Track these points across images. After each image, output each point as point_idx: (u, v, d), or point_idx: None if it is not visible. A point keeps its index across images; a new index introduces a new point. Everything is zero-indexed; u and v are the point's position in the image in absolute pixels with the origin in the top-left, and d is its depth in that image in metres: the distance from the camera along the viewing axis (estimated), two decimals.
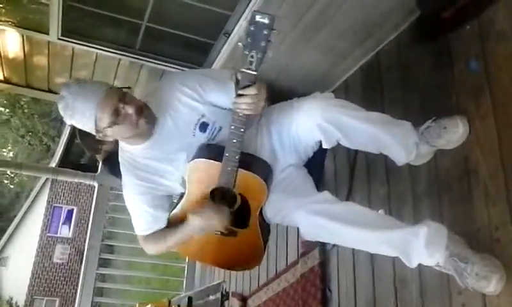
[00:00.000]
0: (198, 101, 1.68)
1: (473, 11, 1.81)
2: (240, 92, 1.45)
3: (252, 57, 1.35)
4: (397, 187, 2.08)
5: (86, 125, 1.56)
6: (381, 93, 2.34)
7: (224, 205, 1.70)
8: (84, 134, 2.62)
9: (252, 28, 1.31)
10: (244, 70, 1.38)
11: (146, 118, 1.60)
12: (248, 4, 2.13)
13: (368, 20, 2.19)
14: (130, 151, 1.73)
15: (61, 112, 1.55)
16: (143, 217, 1.76)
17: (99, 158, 2.81)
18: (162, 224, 1.77)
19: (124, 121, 1.55)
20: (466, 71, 1.82)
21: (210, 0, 2.28)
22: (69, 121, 1.57)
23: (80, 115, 1.53)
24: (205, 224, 1.68)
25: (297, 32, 2.25)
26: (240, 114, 1.48)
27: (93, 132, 1.58)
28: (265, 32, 1.31)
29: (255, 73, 1.38)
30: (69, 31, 2.47)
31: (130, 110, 1.54)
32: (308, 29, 2.23)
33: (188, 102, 1.68)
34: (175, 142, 1.71)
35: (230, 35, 2.36)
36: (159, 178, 1.74)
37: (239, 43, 1.35)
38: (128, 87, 1.96)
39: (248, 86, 1.44)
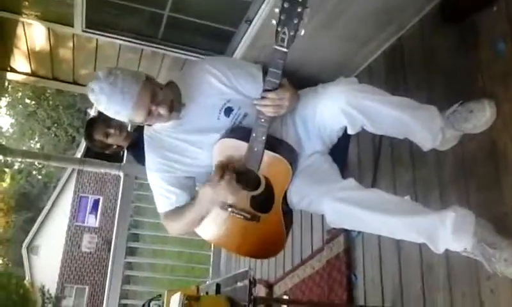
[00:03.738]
0: (226, 85, 1.71)
1: None
2: (263, 95, 1.52)
3: (284, 33, 1.35)
4: (423, 173, 2.06)
5: (117, 118, 1.63)
6: (405, 78, 2.30)
7: (246, 188, 1.71)
8: (91, 138, 2.71)
9: (286, 5, 1.30)
10: (276, 46, 1.38)
11: (176, 110, 1.65)
12: None
13: (389, 4, 2.16)
14: (156, 129, 1.77)
15: (93, 102, 1.60)
16: (164, 195, 1.79)
17: (124, 145, 2.86)
18: (180, 202, 1.78)
19: (156, 119, 1.65)
20: (493, 54, 1.78)
21: None
22: (100, 110, 1.62)
23: (113, 114, 1.59)
24: (213, 192, 1.63)
25: (318, 19, 2.23)
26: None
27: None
28: (298, 9, 1.30)
29: (286, 50, 1.38)
30: (93, 22, 2.50)
31: (162, 110, 1.60)
32: (329, 15, 2.21)
33: (216, 85, 1.71)
34: (200, 123, 1.74)
35: (251, 22, 2.35)
36: (183, 157, 1.77)
37: (273, 21, 1.35)
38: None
39: (271, 90, 1.50)
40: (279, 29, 1.34)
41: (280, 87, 1.54)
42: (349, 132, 1.72)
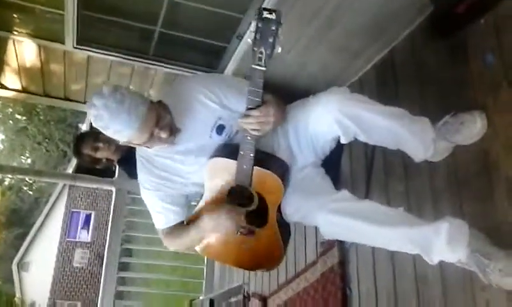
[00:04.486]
0: (217, 103, 1.70)
1: (488, 4, 1.79)
2: (246, 113, 1.51)
3: (261, 53, 1.36)
4: (416, 184, 2.07)
5: (114, 137, 1.56)
6: (396, 90, 2.32)
7: (240, 205, 1.71)
8: (80, 153, 2.68)
9: (260, 25, 1.32)
10: (253, 66, 1.39)
11: (174, 135, 1.64)
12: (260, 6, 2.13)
13: (380, 17, 2.18)
14: (148, 150, 1.75)
15: (90, 117, 1.54)
16: (161, 213, 1.79)
17: (114, 158, 2.83)
18: (180, 218, 1.79)
19: (155, 142, 1.62)
20: (483, 66, 1.80)
21: (222, 4, 2.30)
22: (97, 127, 1.55)
23: (113, 133, 1.53)
24: (215, 224, 1.68)
25: (309, 33, 2.25)
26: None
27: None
28: (272, 27, 1.32)
29: (264, 68, 1.39)
30: (84, 39, 2.50)
31: (163, 135, 1.58)
32: (320, 28, 2.23)
33: (207, 103, 1.70)
34: (192, 143, 1.73)
35: (242, 38, 2.37)
36: (174, 176, 1.76)
37: (248, 39, 1.36)
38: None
39: (255, 108, 1.50)
40: (255, 48, 1.36)
41: (264, 103, 1.53)
42: (342, 141, 1.72)
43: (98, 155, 2.71)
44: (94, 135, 2.69)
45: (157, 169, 1.76)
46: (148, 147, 1.68)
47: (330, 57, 2.49)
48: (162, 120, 1.58)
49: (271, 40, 1.33)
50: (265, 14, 1.30)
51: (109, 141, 2.69)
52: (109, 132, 1.53)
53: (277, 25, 1.31)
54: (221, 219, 1.66)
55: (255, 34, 1.33)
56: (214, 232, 1.75)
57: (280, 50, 1.36)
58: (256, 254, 1.88)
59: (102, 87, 1.52)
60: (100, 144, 2.67)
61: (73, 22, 2.33)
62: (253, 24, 1.32)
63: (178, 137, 1.69)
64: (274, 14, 1.30)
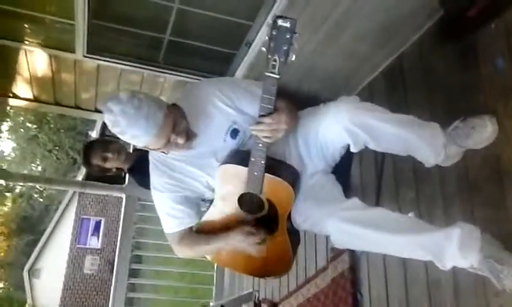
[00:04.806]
0: (231, 107, 1.71)
1: (498, 8, 1.79)
2: (258, 120, 1.52)
3: (275, 61, 1.36)
4: (426, 190, 2.06)
5: (133, 143, 1.59)
6: (405, 96, 2.32)
7: (250, 211, 1.74)
8: (89, 163, 2.68)
9: (274, 32, 1.32)
10: (267, 73, 1.39)
11: (191, 140, 1.66)
12: (269, 14, 2.14)
13: (389, 22, 2.18)
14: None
15: (107, 123, 1.54)
16: (173, 215, 1.79)
17: (124, 167, 2.83)
18: (192, 221, 1.80)
19: (172, 148, 1.63)
20: (493, 70, 1.79)
21: (231, 12, 2.31)
22: (114, 132, 1.56)
23: (129, 138, 1.54)
24: (241, 244, 1.78)
25: (318, 38, 2.25)
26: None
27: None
28: (287, 36, 1.32)
29: (278, 76, 1.39)
30: (94, 48, 2.53)
31: (180, 140, 1.59)
32: (330, 33, 2.23)
33: (222, 107, 1.70)
34: (205, 146, 1.73)
35: (251, 45, 2.38)
36: (188, 179, 1.77)
37: (262, 48, 1.36)
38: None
39: (267, 115, 1.50)
40: (269, 56, 1.35)
41: (276, 111, 1.53)
42: (352, 149, 1.72)
43: (108, 165, 2.71)
44: (103, 144, 2.69)
45: (171, 170, 1.76)
46: (164, 152, 1.69)
47: (339, 62, 2.49)
48: (179, 126, 1.59)
49: (285, 48, 1.34)
50: (280, 22, 1.31)
51: (118, 151, 2.69)
52: (126, 138, 1.54)
53: (292, 34, 1.32)
54: (248, 241, 1.76)
55: (269, 41, 1.33)
56: (236, 247, 1.80)
57: (294, 58, 1.36)
58: (266, 261, 1.89)
59: (119, 93, 1.52)
60: (109, 155, 2.67)
61: (83, 32, 2.35)
62: (268, 32, 1.32)
63: (194, 141, 1.70)
64: (289, 22, 1.31)
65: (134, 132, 1.51)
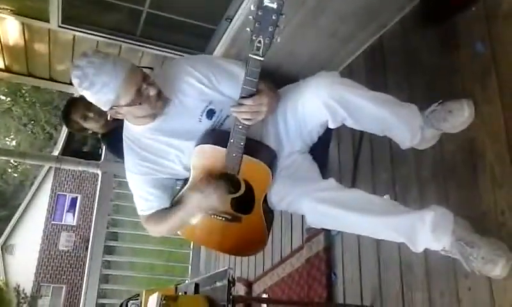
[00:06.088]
0: (207, 86, 1.67)
1: None
2: (239, 102, 1.49)
3: (260, 42, 1.33)
4: (402, 172, 2.07)
5: (101, 99, 1.52)
6: (385, 77, 2.31)
7: (227, 189, 1.68)
8: (69, 117, 2.64)
9: (260, 13, 1.28)
10: (251, 55, 1.36)
11: (163, 101, 1.61)
12: None
13: (370, 3, 2.16)
14: (134, 130, 1.71)
15: (75, 81, 1.49)
16: (145, 197, 1.75)
17: (100, 132, 2.78)
18: (164, 204, 1.76)
19: (145, 102, 1.55)
20: (472, 54, 1.80)
21: None
22: (82, 91, 1.51)
23: (99, 88, 1.48)
24: (202, 200, 1.63)
25: (299, 18, 2.22)
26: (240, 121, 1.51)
27: (105, 108, 1.55)
28: (273, 17, 1.29)
29: (262, 58, 1.36)
30: (69, 18, 2.45)
31: (152, 92, 1.54)
32: (310, 13, 2.20)
33: (198, 87, 1.67)
34: (180, 125, 1.69)
35: (231, 20, 2.33)
36: (162, 159, 1.72)
37: (247, 29, 1.33)
38: (151, 68, 1.88)
39: (248, 97, 1.47)
40: (254, 37, 1.32)
41: (258, 92, 1.50)
42: (330, 126, 1.70)
43: (86, 124, 2.66)
44: (87, 103, 2.63)
45: (144, 150, 1.72)
46: (137, 123, 1.66)
47: (319, 43, 2.47)
48: (149, 78, 1.55)
49: (270, 29, 1.30)
50: (267, 2, 1.27)
51: (100, 113, 2.63)
52: (95, 89, 1.48)
53: (278, 15, 1.28)
54: (207, 193, 1.61)
55: (254, 22, 1.30)
56: (201, 210, 1.70)
57: (279, 40, 1.33)
58: (240, 240, 1.88)
59: (85, 50, 1.51)
60: (91, 114, 2.61)
61: (58, 0, 2.27)
62: (253, 12, 1.29)
63: (167, 119, 1.66)
64: (276, 3, 1.27)
65: (102, 79, 1.46)
